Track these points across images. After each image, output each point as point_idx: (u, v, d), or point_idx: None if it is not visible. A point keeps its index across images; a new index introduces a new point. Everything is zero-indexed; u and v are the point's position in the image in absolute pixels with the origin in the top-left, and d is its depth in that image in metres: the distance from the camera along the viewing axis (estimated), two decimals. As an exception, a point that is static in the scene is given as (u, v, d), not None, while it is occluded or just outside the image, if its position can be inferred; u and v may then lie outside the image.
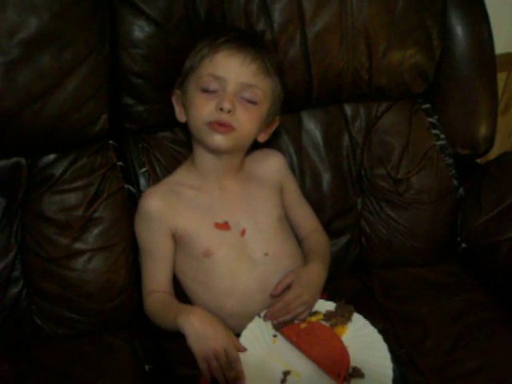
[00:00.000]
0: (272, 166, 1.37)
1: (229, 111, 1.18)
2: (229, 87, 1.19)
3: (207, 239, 1.24)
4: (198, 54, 1.23)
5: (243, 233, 1.27)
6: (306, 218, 1.41)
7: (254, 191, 1.32)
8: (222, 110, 1.18)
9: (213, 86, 1.20)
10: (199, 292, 1.26)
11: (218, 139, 1.20)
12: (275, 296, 1.21)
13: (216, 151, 1.24)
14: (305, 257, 1.33)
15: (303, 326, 1.19)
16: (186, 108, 1.26)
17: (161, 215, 1.24)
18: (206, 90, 1.21)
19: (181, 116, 1.29)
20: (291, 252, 1.31)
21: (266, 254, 1.26)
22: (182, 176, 1.31)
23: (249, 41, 1.24)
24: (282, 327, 1.18)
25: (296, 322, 1.20)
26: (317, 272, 1.26)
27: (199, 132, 1.22)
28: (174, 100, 1.30)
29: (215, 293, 1.24)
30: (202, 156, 1.27)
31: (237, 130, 1.20)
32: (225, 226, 1.26)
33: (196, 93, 1.22)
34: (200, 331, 1.11)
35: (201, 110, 1.20)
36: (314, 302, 1.23)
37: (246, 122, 1.21)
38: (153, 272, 1.27)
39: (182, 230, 1.24)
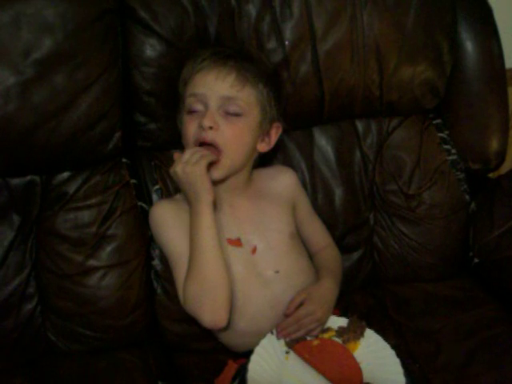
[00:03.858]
0: (284, 182, 1.38)
1: (210, 127, 1.19)
2: (210, 103, 1.21)
3: None
4: (181, 79, 1.27)
5: (254, 250, 1.27)
6: (318, 234, 1.41)
7: (265, 208, 1.32)
8: (202, 127, 1.19)
9: (196, 106, 1.22)
10: None
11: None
12: (288, 315, 1.21)
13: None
14: (317, 272, 1.33)
15: (315, 342, 1.19)
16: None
17: (174, 219, 1.25)
18: (191, 111, 1.23)
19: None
20: (303, 269, 1.31)
21: (278, 272, 1.26)
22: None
23: (227, 55, 1.24)
24: (294, 344, 1.18)
25: (308, 338, 1.20)
26: (328, 288, 1.26)
27: None
28: (179, 125, 1.31)
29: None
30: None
31: (223, 151, 1.21)
32: (237, 243, 1.26)
33: (184, 116, 1.25)
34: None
35: (187, 130, 1.23)
36: (327, 318, 1.23)
37: (232, 137, 1.22)
38: (183, 268, 1.21)
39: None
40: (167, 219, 1.26)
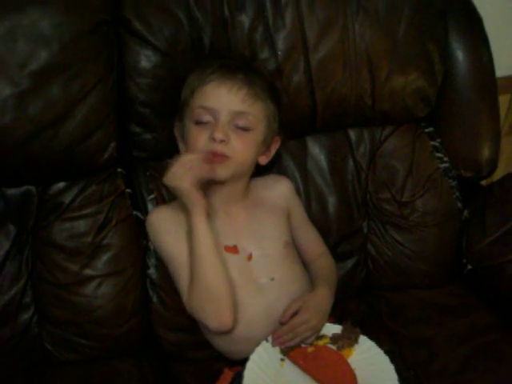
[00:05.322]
0: (279, 191, 1.39)
1: (221, 141, 1.20)
2: (221, 117, 1.21)
3: None
4: (188, 88, 1.26)
5: (250, 257, 1.28)
6: (313, 243, 1.42)
7: (261, 217, 1.33)
8: (214, 140, 1.20)
9: (205, 117, 1.22)
10: None
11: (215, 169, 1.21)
12: (283, 323, 1.21)
13: (218, 180, 1.24)
14: (312, 281, 1.34)
15: (310, 349, 1.20)
16: (184, 140, 1.28)
17: (172, 224, 1.25)
18: (199, 122, 1.23)
19: (182, 148, 1.30)
20: (297, 277, 1.32)
21: (273, 279, 1.27)
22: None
23: (236, 67, 1.24)
24: (289, 351, 1.19)
25: (303, 346, 1.20)
26: (323, 297, 1.27)
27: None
28: (176, 132, 1.32)
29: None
30: (210, 187, 1.27)
31: (232, 158, 1.22)
32: (234, 250, 1.27)
33: (191, 126, 1.24)
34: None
35: (195, 141, 1.23)
36: (321, 326, 1.24)
37: (241, 150, 1.23)
38: (184, 274, 1.22)
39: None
40: (165, 224, 1.27)
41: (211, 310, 1.19)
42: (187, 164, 1.17)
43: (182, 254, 1.22)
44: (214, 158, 1.20)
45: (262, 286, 1.26)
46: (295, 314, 1.22)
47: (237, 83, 1.22)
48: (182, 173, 1.16)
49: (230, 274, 1.23)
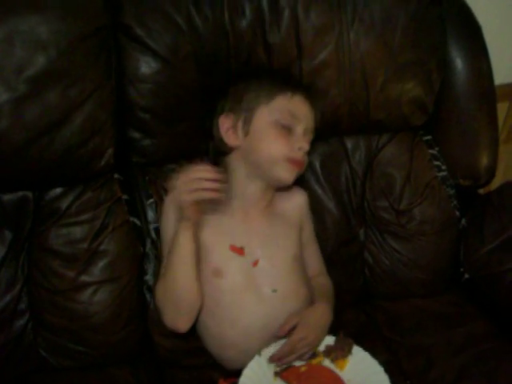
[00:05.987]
0: (296, 203, 1.40)
1: (305, 151, 1.28)
2: (302, 129, 1.29)
3: (219, 258, 1.26)
4: (268, 87, 1.29)
5: (256, 263, 1.27)
6: (315, 260, 1.42)
7: (276, 226, 1.34)
8: (300, 149, 1.27)
9: (289, 123, 1.28)
10: (203, 317, 1.26)
11: (289, 175, 1.28)
12: (279, 337, 1.21)
13: (280, 184, 1.31)
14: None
15: (303, 369, 1.19)
16: (250, 136, 1.28)
17: (176, 211, 1.24)
18: (283, 126, 1.27)
19: (235, 140, 1.30)
20: (300, 293, 1.30)
21: (275, 291, 1.26)
22: None
23: (306, 89, 1.34)
24: (282, 372, 1.18)
25: (296, 364, 1.20)
26: (322, 314, 1.27)
27: (272, 164, 1.27)
28: (227, 123, 1.31)
29: (219, 320, 1.25)
30: (247, 184, 1.30)
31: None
32: (240, 251, 1.27)
33: (271, 125, 1.27)
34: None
35: (280, 144, 1.26)
36: (319, 343, 1.24)
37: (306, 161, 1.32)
38: None
39: (199, 242, 1.24)
40: (172, 210, 1.26)
41: (169, 311, 1.24)
42: (196, 182, 1.14)
43: None
44: (296, 165, 1.28)
45: (264, 296, 1.26)
46: (292, 329, 1.21)
47: (313, 105, 1.32)
48: (188, 189, 1.15)
49: (233, 276, 1.25)
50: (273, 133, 1.27)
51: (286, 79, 1.33)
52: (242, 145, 1.29)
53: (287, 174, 1.28)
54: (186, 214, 1.17)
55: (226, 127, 1.30)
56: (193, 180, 1.14)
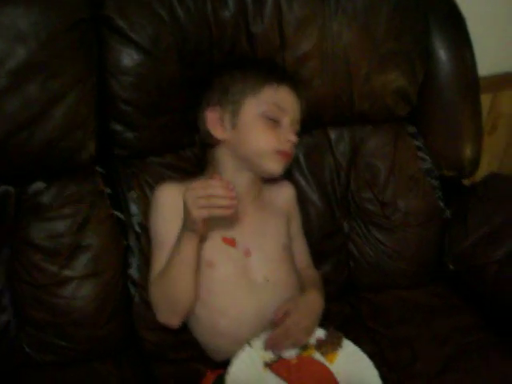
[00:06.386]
0: (285, 195, 1.41)
1: (293, 143, 1.29)
2: (289, 120, 1.29)
3: (212, 250, 1.25)
4: (254, 78, 1.28)
5: (248, 253, 1.28)
6: (303, 252, 1.43)
7: (265, 217, 1.35)
8: (288, 141, 1.27)
9: (276, 115, 1.27)
10: (196, 307, 1.26)
11: (278, 166, 1.29)
12: (276, 322, 1.21)
13: (269, 175, 1.32)
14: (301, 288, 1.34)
15: (294, 361, 1.19)
16: (237, 129, 1.28)
17: (176, 207, 1.21)
18: (270, 118, 1.26)
19: (222, 133, 1.29)
20: (292, 283, 1.32)
21: (267, 280, 1.28)
22: None
23: (294, 80, 1.34)
24: (272, 363, 1.18)
25: (286, 356, 1.20)
26: (314, 300, 1.28)
27: (260, 157, 1.27)
28: (214, 116, 1.30)
29: (211, 308, 1.25)
30: (236, 176, 1.29)
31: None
32: (231, 242, 1.27)
33: (259, 118, 1.27)
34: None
35: (268, 137, 1.27)
36: (314, 328, 1.24)
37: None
38: (162, 261, 1.24)
39: None
40: (165, 204, 1.26)
41: (164, 309, 1.25)
42: (214, 200, 1.10)
43: (169, 238, 1.23)
44: (285, 156, 1.28)
45: (256, 285, 1.27)
46: (286, 315, 1.21)
47: (300, 96, 1.33)
48: (203, 205, 1.11)
49: (225, 267, 1.26)
50: (260, 125, 1.27)
51: (270, 69, 1.32)
52: (229, 137, 1.29)
53: (276, 166, 1.28)
54: (194, 227, 1.15)
55: (213, 120, 1.30)
56: (204, 196, 1.11)
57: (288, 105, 1.29)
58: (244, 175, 1.31)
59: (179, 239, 1.19)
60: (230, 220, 1.27)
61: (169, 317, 1.26)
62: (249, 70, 1.30)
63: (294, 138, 1.29)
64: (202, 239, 1.22)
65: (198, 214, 1.12)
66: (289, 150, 1.29)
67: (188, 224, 1.16)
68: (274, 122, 1.27)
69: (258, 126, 1.27)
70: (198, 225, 1.14)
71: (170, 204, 1.24)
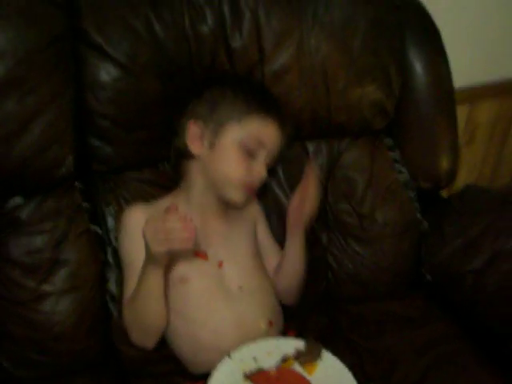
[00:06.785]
0: (248, 204, 1.40)
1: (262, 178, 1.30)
2: (265, 155, 1.29)
3: (185, 265, 1.26)
4: (243, 104, 1.28)
5: (220, 265, 1.29)
6: (275, 251, 1.43)
7: (232, 226, 1.36)
8: (258, 174, 1.29)
9: (254, 148, 1.27)
10: (174, 322, 1.26)
11: (240, 197, 1.30)
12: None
13: (230, 203, 1.32)
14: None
15: (273, 373, 1.19)
16: (214, 149, 1.28)
17: (141, 231, 1.20)
18: (247, 149, 1.27)
19: (199, 149, 1.29)
20: (264, 288, 1.34)
21: (241, 288, 1.28)
22: (165, 204, 1.28)
23: (282, 114, 1.34)
24: (252, 375, 1.18)
25: (269, 366, 1.20)
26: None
27: (226, 184, 1.28)
28: (195, 130, 1.29)
29: (190, 322, 1.25)
30: (203, 195, 1.31)
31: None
32: (203, 256, 1.28)
33: (235, 146, 1.27)
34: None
35: (239, 167, 1.27)
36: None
37: None
38: (132, 284, 1.24)
39: None
40: (134, 228, 1.24)
41: (137, 333, 1.26)
42: (172, 234, 1.10)
43: (137, 260, 1.22)
44: (251, 190, 1.30)
45: (232, 294, 1.27)
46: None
47: (283, 132, 1.32)
48: (162, 240, 1.11)
49: (200, 280, 1.26)
50: (235, 154, 1.27)
51: (262, 99, 1.31)
52: (204, 155, 1.29)
53: (239, 196, 1.30)
54: (156, 261, 1.15)
55: (193, 133, 1.29)
56: (163, 230, 1.10)
57: (269, 140, 1.29)
58: (212, 194, 1.32)
59: (143, 270, 1.19)
60: (199, 234, 1.25)
61: (141, 340, 1.27)
62: (240, 93, 1.29)
63: (264, 174, 1.29)
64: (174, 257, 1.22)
65: (158, 248, 1.12)
66: (256, 184, 1.30)
67: (149, 257, 1.16)
68: (249, 155, 1.27)
69: (233, 154, 1.27)
70: (158, 258, 1.14)
71: (137, 226, 1.19)
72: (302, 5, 1.40)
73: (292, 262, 1.37)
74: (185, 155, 1.32)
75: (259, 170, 1.28)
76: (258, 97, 1.31)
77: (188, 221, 1.10)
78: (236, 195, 1.29)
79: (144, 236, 1.12)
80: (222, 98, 1.29)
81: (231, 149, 1.27)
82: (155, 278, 1.18)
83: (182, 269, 1.26)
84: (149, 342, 1.27)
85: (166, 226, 1.10)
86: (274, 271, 1.40)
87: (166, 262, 1.17)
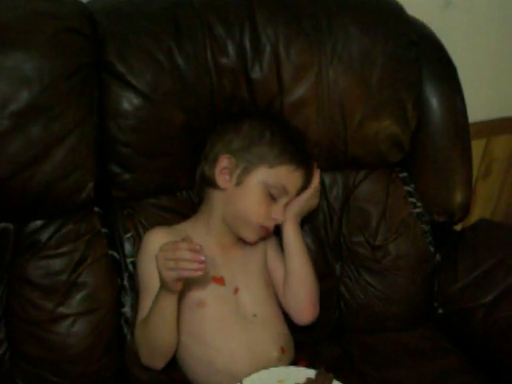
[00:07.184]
0: None
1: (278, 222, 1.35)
2: (286, 200, 1.34)
3: (202, 290, 1.28)
4: (279, 152, 1.31)
5: (236, 291, 1.31)
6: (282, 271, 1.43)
7: (247, 254, 1.38)
8: (274, 219, 1.33)
9: (278, 195, 1.32)
10: (190, 346, 1.28)
11: (254, 237, 1.35)
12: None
13: (245, 242, 1.36)
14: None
15: None
16: (240, 187, 1.31)
17: None
18: (271, 195, 1.31)
19: (226, 183, 1.33)
20: (277, 316, 1.36)
21: (255, 315, 1.30)
22: (186, 228, 1.35)
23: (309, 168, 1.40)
24: None
25: None
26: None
27: (243, 223, 1.33)
28: (226, 164, 1.32)
29: (206, 346, 1.26)
30: (222, 223, 1.34)
31: None
32: (221, 281, 1.30)
33: (260, 188, 1.31)
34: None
35: (260, 209, 1.31)
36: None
37: None
38: (146, 306, 1.27)
39: None
40: (154, 250, 1.21)
41: (146, 353, 1.29)
42: (181, 263, 1.12)
43: (154, 284, 1.24)
44: (265, 232, 1.34)
45: (246, 321, 1.29)
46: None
47: (308, 180, 1.39)
48: (171, 267, 1.13)
49: (216, 305, 1.28)
50: (259, 196, 1.31)
51: (297, 149, 1.35)
52: (229, 190, 1.32)
53: (252, 237, 1.35)
54: (168, 287, 1.17)
55: (223, 167, 1.32)
56: (173, 258, 1.13)
57: (294, 188, 1.34)
58: (229, 224, 1.35)
59: (158, 295, 1.21)
60: (217, 260, 1.31)
61: (150, 361, 1.30)
62: (278, 140, 1.32)
63: (281, 220, 1.34)
64: (191, 281, 1.23)
65: (167, 275, 1.14)
66: (271, 227, 1.34)
67: (162, 283, 1.18)
68: (271, 198, 1.32)
69: (257, 196, 1.31)
70: (170, 285, 1.16)
71: (156, 249, 1.18)
72: (321, 39, 1.42)
73: (291, 260, 1.39)
74: (210, 183, 1.35)
75: (276, 217, 1.33)
76: (292, 148, 1.34)
77: (198, 252, 1.12)
78: (250, 235, 1.34)
79: (156, 261, 1.15)
80: (259, 140, 1.32)
81: (256, 190, 1.31)
82: (168, 303, 1.20)
83: (198, 293, 1.28)
84: (158, 362, 1.30)
85: (176, 254, 1.12)
86: (282, 286, 1.41)
87: (180, 287, 1.19)
